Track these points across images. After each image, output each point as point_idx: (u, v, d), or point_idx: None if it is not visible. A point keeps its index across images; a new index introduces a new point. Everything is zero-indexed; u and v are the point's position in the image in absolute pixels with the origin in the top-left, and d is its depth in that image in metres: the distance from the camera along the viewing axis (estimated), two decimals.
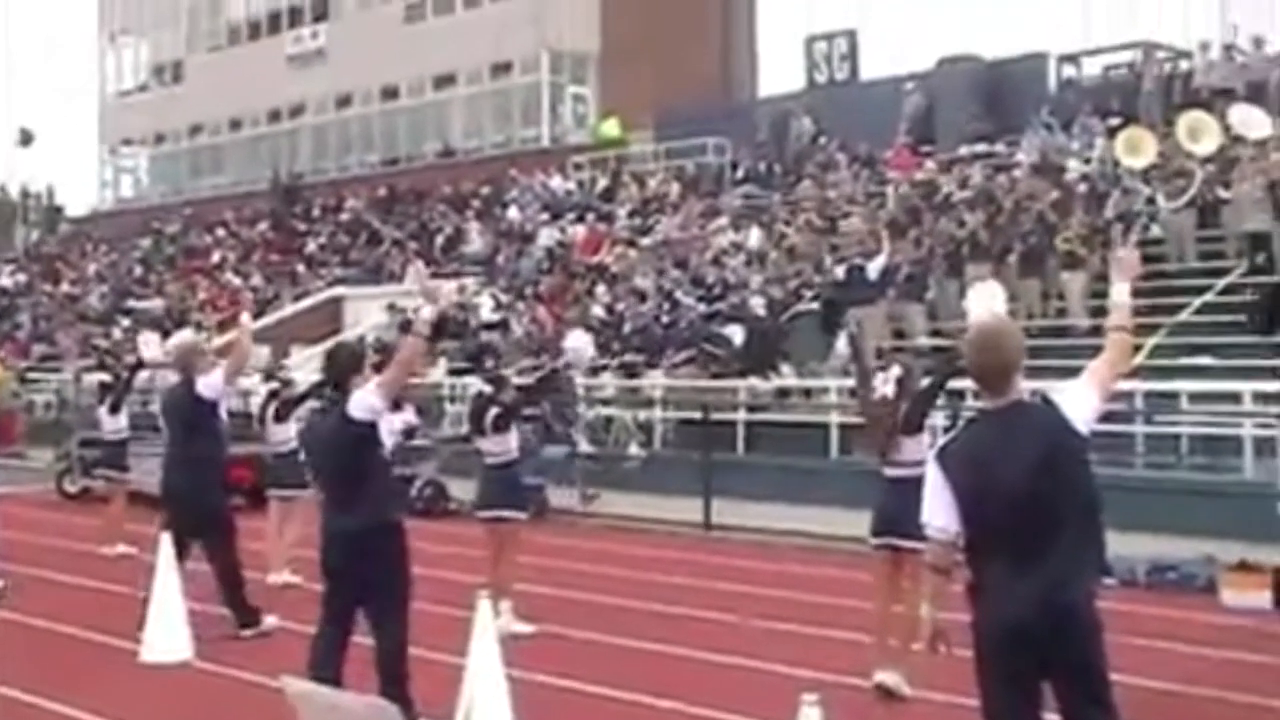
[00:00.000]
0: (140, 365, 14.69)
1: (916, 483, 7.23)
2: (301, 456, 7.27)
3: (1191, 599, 10.67)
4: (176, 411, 9.74)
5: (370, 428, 6.75)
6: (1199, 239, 19.04)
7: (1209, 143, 18.26)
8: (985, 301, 8.45)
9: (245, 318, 10.13)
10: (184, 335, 13.20)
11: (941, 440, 5.08)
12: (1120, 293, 4.97)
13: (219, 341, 20.44)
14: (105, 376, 14.98)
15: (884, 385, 7.96)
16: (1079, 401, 4.66)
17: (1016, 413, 4.69)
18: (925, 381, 8.03)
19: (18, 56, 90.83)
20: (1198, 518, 12.30)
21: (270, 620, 9.33)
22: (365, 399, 6.71)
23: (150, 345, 14.85)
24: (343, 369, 6.92)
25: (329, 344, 7.73)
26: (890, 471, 7.77)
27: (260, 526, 11.71)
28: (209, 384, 9.43)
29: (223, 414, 9.74)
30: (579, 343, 10.57)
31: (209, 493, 9.38)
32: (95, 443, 15.34)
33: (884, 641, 7.78)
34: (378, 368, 7.86)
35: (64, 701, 7.74)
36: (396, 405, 18.78)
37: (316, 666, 6.57)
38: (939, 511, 4.74)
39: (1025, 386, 4.83)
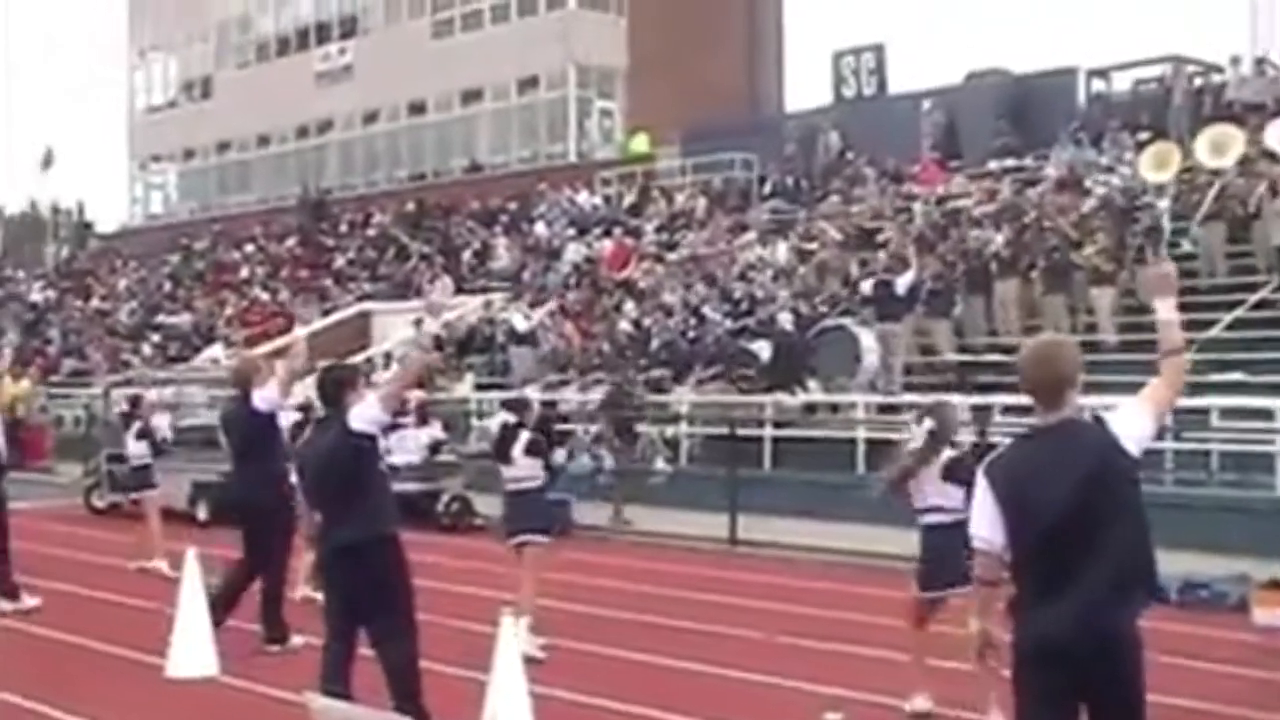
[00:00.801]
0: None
1: (953, 529, 7.12)
2: (294, 477, 7.28)
3: (1223, 617, 10.55)
4: (235, 427, 9.86)
5: (370, 440, 6.78)
6: (1229, 254, 18.91)
7: (1232, 155, 18.17)
8: None
9: (301, 332, 10.26)
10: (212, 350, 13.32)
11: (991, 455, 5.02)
12: (1165, 311, 4.81)
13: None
14: (124, 406, 15.09)
15: (917, 438, 7.84)
16: (1131, 422, 4.60)
17: (1067, 431, 4.64)
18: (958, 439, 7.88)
19: (48, 73, 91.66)
20: (1229, 535, 12.19)
21: (297, 640, 9.35)
22: (367, 411, 6.75)
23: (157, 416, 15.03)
24: (337, 387, 6.94)
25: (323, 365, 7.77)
26: (928, 519, 7.68)
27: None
28: (264, 397, 9.48)
29: (281, 426, 9.78)
30: None
31: (271, 504, 9.43)
32: (123, 459, 15.41)
33: (923, 662, 7.70)
34: None
35: (90, 717, 7.75)
36: (423, 420, 18.89)
37: (327, 680, 6.58)
38: (984, 524, 4.70)
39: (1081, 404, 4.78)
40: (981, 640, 4.84)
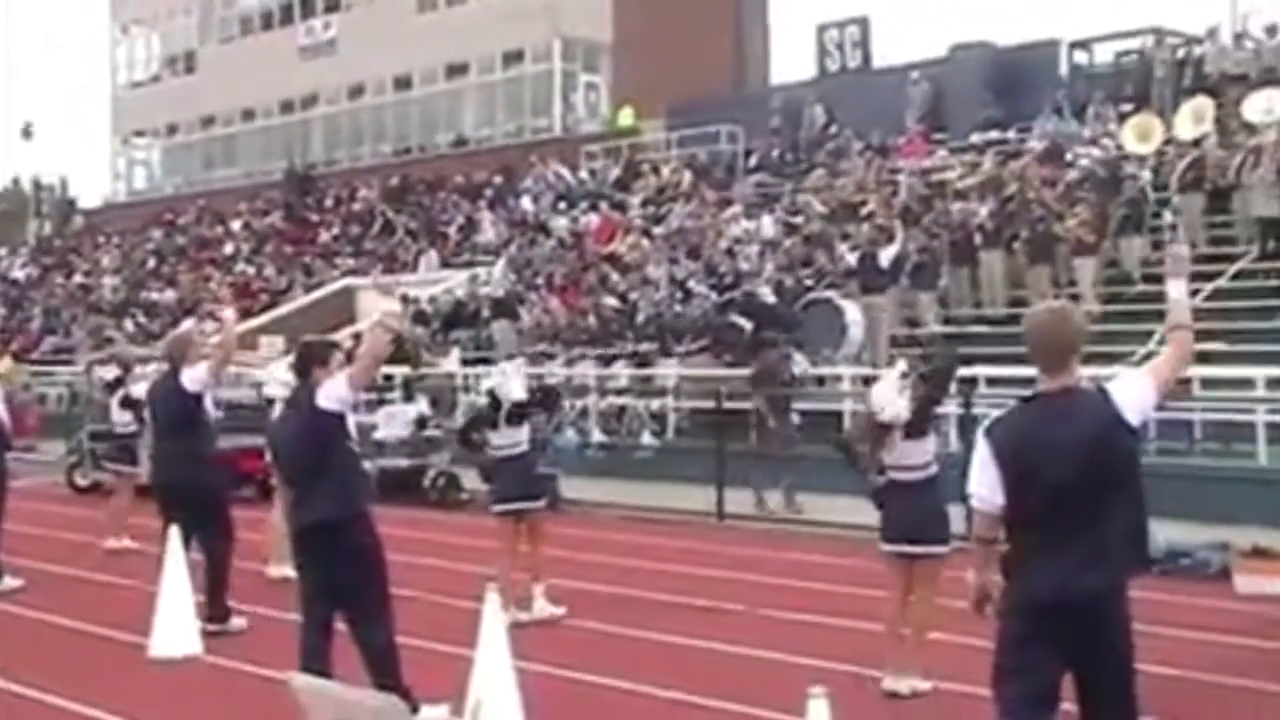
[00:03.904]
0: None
1: (923, 486, 7.22)
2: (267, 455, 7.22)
3: (1205, 585, 10.63)
4: (162, 404, 9.64)
5: (339, 418, 6.73)
6: (1209, 224, 18.98)
7: (1206, 124, 18.22)
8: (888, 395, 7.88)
9: (228, 313, 9.92)
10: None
11: (992, 416, 5.10)
12: (1177, 291, 4.97)
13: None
14: (117, 371, 14.93)
15: (891, 377, 7.90)
16: (1132, 391, 4.71)
17: (1069, 397, 4.72)
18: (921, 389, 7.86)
19: (30, 48, 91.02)
20: (1211, 504, 12.26)
21: (238, 622, 9.23)
22: (335, 389, 6.69)
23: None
24: (306, 362, 6.88)
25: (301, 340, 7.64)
26: (896, 475, 7.70)
27: (268, 518, 11.67)
28: (193, 377, 9.28)
29: (208, 407, 9.58)
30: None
31: (199, 483, 9.25)
32: (105, 435, 15.34)
33: (897, 632, 7.74)
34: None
35: (72, 698, 7.73)
36: (409, 397, 18.80)
37: (307, 659, 6.57)
38: (983, 484, 4.80)
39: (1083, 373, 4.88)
40: (978, 591, 4.90)
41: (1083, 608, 4.55)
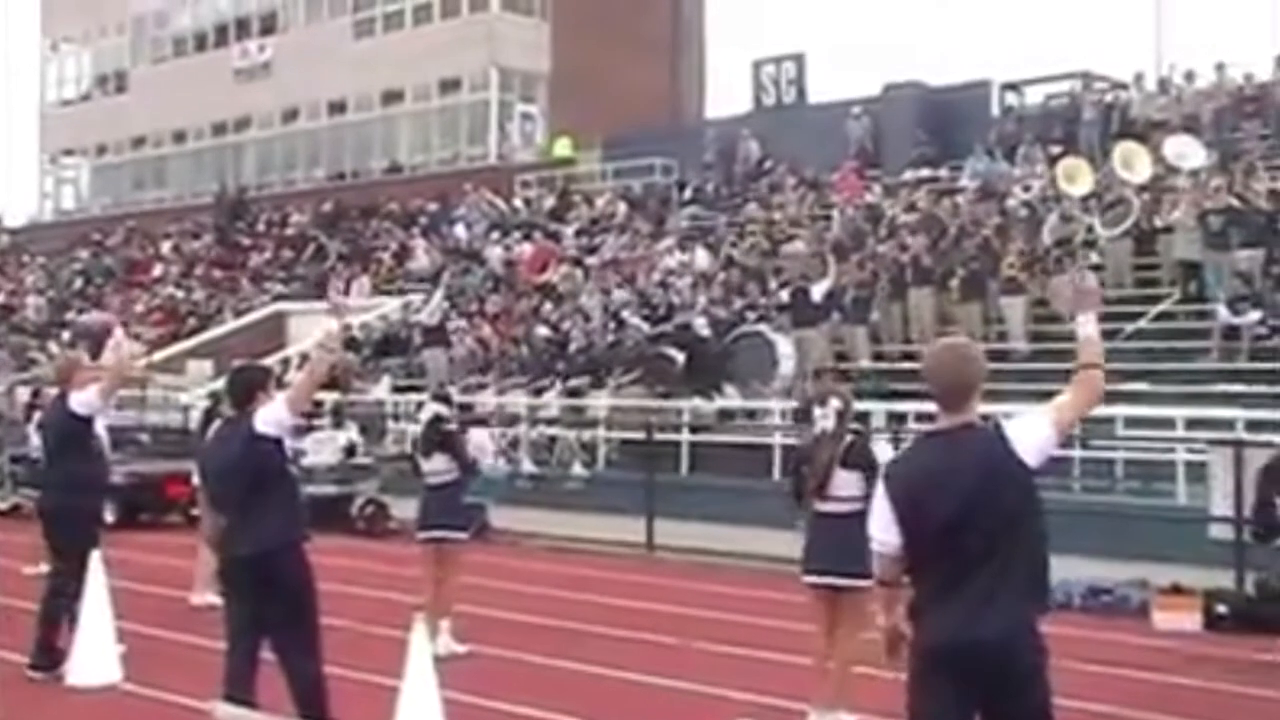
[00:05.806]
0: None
1: (850, 519, 7.13)
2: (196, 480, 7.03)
3: (1125, 622, 10.79)
4: (51, 428, 9.34)
5: (277, 443, 6.64)
6: (1136, 266, 19.32)
7: (1142, 171, 18.65)
8: None
9: (119, 333, 9.63)
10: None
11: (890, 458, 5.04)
12: (1087, 325, 4.76)
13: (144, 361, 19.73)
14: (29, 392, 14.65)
15: (823, 420, 7.87)
16: (1029, 430, 4.57)
17: (965, 436, 4.62)
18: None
19: None
20: (1132, 542, 12.44)
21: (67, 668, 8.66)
22: (273, 413, 6.60)
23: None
24: (247, 388, 6.79)
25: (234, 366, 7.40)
26: (823, 506, 7.62)
27: (193, 544, 11.53)
28: (82, 400, 8.91)
29: (99, 431, 9.27)
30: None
31: (79, 513, 8.87)
32: (26, 458, 15.08)
33: (823, 666, 7.77)
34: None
35: None
36: (338, 424, 18.64)
37: (231, 688, 6.46)
38: (880, 526, 4.70)
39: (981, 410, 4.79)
40: (888, 636, 4.83)
41: (981, 651, 4.42)
